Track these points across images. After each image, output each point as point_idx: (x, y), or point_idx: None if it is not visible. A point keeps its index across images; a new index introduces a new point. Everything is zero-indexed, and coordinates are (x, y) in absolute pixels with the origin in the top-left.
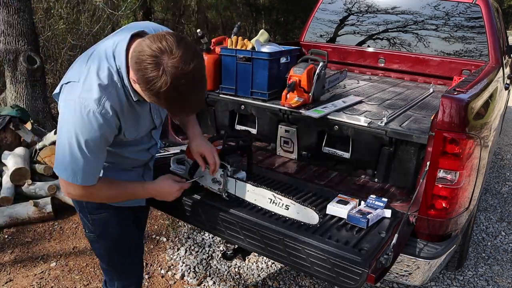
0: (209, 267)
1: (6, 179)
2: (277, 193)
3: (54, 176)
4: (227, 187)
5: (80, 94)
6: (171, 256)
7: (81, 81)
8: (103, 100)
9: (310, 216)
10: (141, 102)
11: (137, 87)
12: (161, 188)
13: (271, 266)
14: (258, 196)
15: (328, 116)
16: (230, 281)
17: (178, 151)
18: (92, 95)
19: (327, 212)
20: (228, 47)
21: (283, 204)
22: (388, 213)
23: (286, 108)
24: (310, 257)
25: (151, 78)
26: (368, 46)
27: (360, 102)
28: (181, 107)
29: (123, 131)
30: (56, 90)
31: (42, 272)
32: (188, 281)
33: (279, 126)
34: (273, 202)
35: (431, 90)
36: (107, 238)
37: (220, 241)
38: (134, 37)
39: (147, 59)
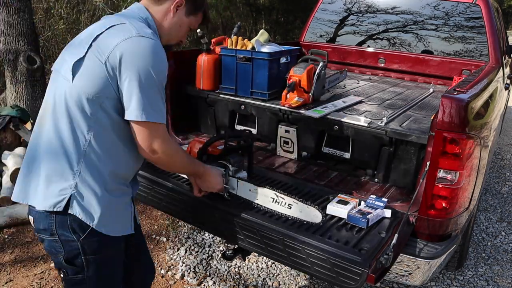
0: (209, 267)
1: (6, 179)
2: (280, 192)
3: None
4: (228, 187)
5: (138, 30)
6: (171, 256)
7: (126, 22)
8: (154, 35)
9: (313, 215)
10: None
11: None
12: (213, 177)
13: (271, 266)
14: (260, 195)
15: (328, 116)
16: (230, 281)
17: None
18: (147, 29)
19: (327, 212)
20: (228, 47)
21: (285, 203)
22: (388, 213)
23: (286, 108)
24: (310, 257)
25: None
26: (368, 46)
27: (360, 102)
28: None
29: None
30: (80, 55)
31: (42, 272)
32: (188, 281)
33: (279, 126)
34: (276, 201)
35: (431, 90)
36: (99, 280)
37: (220, 241)
38: None
39: None
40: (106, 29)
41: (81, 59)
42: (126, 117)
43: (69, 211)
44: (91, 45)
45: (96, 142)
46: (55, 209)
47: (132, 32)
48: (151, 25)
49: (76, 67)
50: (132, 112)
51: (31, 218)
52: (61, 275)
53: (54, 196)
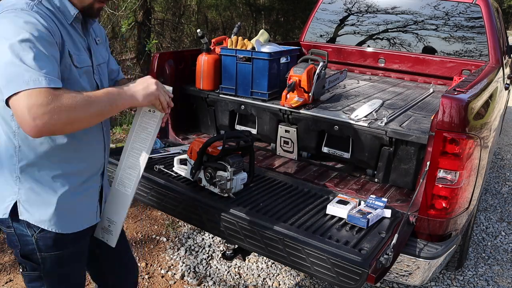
0: (209, 267)
1: None
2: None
3: None
4: (227, 187)
5: (3, 10)
6: (171, 256)
7: None
8: (32, 3)
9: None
10: (79, 33)
11: None
12: (138, 83)
13: (271, 266)
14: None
15: (328, 116)
16: (230, 281)
17: (179, 151)
18: (18, 4)
19: (327, 212)
20: (228, 47)
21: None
22: (388, 213)
23: (286, 108)
24: (310, 257)
25: None
26: (368, 46)
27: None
28: None
29: (68, 51)
30: None
31: None
32: (188, 281)
33: (279, 126)
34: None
35: (431, 90)
36: (55, 277)
37: (220, 241)
38: None
39: None
40: None
41: None
42: (2, 99)
43: (19, 216)
44: None
45: (25, 145)
46: (2, 216)
47: None
48: None
49: None
50: (3, 92)
51: None
52: (20, 270)
53: (1, 203)
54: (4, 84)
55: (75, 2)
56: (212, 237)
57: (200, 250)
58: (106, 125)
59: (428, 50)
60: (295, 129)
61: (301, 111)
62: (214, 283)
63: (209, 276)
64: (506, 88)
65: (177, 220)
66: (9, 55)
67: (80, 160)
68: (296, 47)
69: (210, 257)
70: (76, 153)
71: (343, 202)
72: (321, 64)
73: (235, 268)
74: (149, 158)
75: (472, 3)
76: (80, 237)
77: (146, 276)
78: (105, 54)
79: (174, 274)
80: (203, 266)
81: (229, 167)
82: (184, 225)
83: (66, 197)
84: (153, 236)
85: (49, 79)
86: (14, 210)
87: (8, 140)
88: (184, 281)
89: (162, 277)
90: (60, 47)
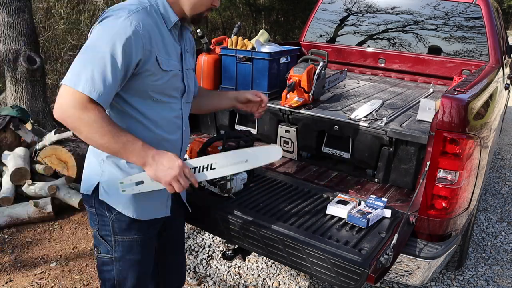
0: (209, 267)
1: (6, 179)
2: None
3: (54, 176)
4: (227, 187)
5: (112, 12)
6: None
7: (113, 13)
8: (132, 12)
9: (274, 154)
10: (175, 39)
11: None
12: (163, 157)
13: (271, 266)
14: (219, 167)
15: (328, 116)
16: (230, 281)
17: None
18: (121, 13)
19: (327, 212)
20: (228, 47)
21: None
22: (388, 213)
23: (286, 108)
24: (310, 257)
25: None
26: (368, 46)
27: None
28: None
29: (156, 56)
30: None
31: (42, 272)
32: (188, 281)
33: (279, 126)
34: (238, 163)
35: (431, 90)
36: (125, 262)
37: (220, 241)
38: None
39: None
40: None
41: None
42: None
43: (99, 197)
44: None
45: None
46: (86, 193)
47: (103, 18)
48: None
49: None
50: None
51: None
52: (95, 252)
53: (85, 182)
54: (71, 71)
55: (176, 10)
56: (212, 237)
57: (200, 250)
58: (185, 125)
59: (431, 50)
60: (295, 129)
61: (301, 111)
62: (214, 283)
63: (209, 276)
64: (506, 88)
65: None
66: (90, 55)
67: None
68: (296, 47)
69: (210, 257)
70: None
71: (343, 202)
72: (321, 64)
73: (235, 268)
74: None
75: (472, 3)
76: (151, 226)
77: None
78: (192, 62)
79: None
80: (203, 266)
81: None
82: (184, 225)
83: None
84: None
85: (98, 93)
86: (96, 190)
87: None
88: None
89: None
90: (146, 53)
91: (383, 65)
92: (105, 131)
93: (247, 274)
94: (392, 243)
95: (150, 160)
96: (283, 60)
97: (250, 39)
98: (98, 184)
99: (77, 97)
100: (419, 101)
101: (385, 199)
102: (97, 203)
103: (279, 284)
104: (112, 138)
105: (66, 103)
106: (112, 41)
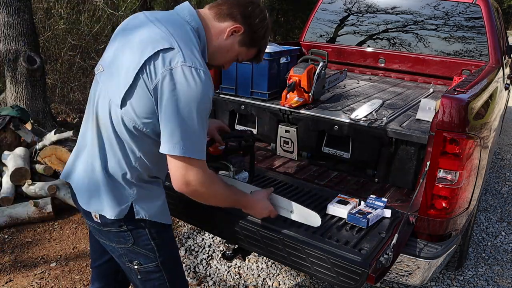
0: (209, 267)
1: (6, 179)
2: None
3: (54, 176)
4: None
5: (185, 58)
6: None
7: (175, 47)
8: (202, 61)
9: (313, 220)
10: None
11: (219, 42)
12: (258, 203)
13: (271, 266)
14: None
15: (328, 116)
16: (230, 281)
17: None
18: (195, 54)
19: (327, 212)
20: None
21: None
22: (388, 213)
23: (286, 108)
24: (310, 257)
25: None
26: (368, 46)
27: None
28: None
29: None
30: (129, 82)
31: (42, 272)
32: (188, 281)
33: (279, 126)
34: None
35: (431, 90)
36: (170, 261)
37: (220, 241)
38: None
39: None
40: (154, 54)
41: (131, 87)
42: (161, 150)
43: (135, 216)
44: (140, 70)
45: (144, 157)
46: (118, 218)
47: (178, 61)
48: (201, 36)
49: (126, 94)
50: (165, 144)
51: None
52: (136, 267)
53: (112, 208)
54: (176, 138)
55: (205, 56)
56: (212, 237)
57: (200, 250)
58: None
59: (430, 50)
60: (295, 129)
61: (301, 111)
62: (214, 283)
63: (209, 276)
64: (506, 88)
65: (177, 220)
66: (186, 116)
67: (159, 171)
68: (296, 47)
69: (210, 257)
70: (157, 167)
71: (343, 202)
72: (321, 64)
73: (235, 268)
74: None
75: (472, 3)
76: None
77: None
78: None
79: None
80: (203, 266)
81: (231, 166)
82: (184, 225)
83: (163, 193)
84: None
85: (202, 154)
86: (130, 211)
87: (127, 153)
88: None
89: None
90: None
91: (383, 65)
92: (226, 188)
93: (247, 274)
94: (392, 243)
95: (250, 208)
96: (283, 60)
97: None
98: (131, 205)
99: (198, 163)
100: (419, 101)
101: (385, 199)
102: (127, 222)
103: (279, 284)
104: (231, 192)
105: (193, 182)
106: (202, 99)
